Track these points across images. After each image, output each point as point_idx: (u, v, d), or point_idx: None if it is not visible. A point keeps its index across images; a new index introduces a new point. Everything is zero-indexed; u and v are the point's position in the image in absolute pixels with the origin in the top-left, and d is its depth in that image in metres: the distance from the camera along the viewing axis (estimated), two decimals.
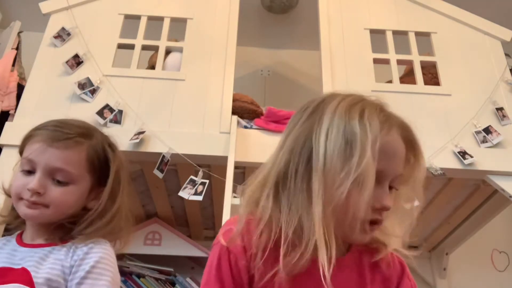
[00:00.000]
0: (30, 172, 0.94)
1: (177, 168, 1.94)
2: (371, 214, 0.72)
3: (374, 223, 0.74)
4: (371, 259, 0.80)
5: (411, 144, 0.76)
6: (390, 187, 0.75)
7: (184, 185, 1.79)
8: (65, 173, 0.94)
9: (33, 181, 0.92)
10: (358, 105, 0.74)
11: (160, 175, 1.79)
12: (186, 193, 1.75)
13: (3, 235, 1.07)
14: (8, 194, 1.01)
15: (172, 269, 2.40)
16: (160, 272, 2.39)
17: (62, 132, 0.96)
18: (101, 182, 1.00)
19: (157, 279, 2.36)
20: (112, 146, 1.04)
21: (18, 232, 1.00)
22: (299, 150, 0.74)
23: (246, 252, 0.73)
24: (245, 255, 0.73)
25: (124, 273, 2.36)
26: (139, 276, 2.36)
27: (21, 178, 0.95)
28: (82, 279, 0.88)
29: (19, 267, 0.90)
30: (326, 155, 0.70)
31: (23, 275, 0.89)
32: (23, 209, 0.94)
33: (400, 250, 0.82)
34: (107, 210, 0.97)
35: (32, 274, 0.88)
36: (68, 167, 0.94)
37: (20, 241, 0.97)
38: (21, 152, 1.00)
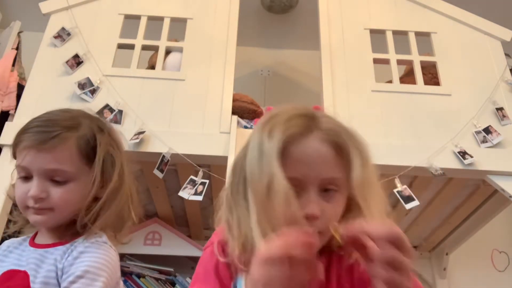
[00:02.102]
0: (27, 178, 0.91)
1: (177, 168, 1.94)
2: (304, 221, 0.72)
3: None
4: (344, 264, 0.76)
5: (340, 148, 0.76)
6: (327, 190, 0.75)
7: (184, 185, 1.79)
8: (61, 173, 0.91)
9: (33, 188, 0.89)
10: (273, 119, 0.79)
11: (160, 175, 1.79)
12: (186, 193, 1.75)
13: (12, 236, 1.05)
14: (14, 201, 0.97)
15: (172, 269, 2.40)
16: (160, 272, 2.39)
17: (47, 132, 0.92)
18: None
19: (157, 279, 2.36)
20: (102, 128, 1.00)
21: (36, 231, 0.98)
22: (239, 168, 0.85)
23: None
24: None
25: (124, 273, 2.36)
26: (139, 276, 2.36)
27: (21, 186, 0.92)
28: (70, 283, 0.84)
29: (23, 269, 0.88)
30: (250, 167, 0.78)
31: (23, 279, 0.86)
32: (32, 217, 0.91)
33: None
34: (101, 195, 0.94)
35: (31, 278, 0.86)
36: (62, 166, 0.91)
37: (32, 241, 0.95)
38: (14, 156, 0.96)
